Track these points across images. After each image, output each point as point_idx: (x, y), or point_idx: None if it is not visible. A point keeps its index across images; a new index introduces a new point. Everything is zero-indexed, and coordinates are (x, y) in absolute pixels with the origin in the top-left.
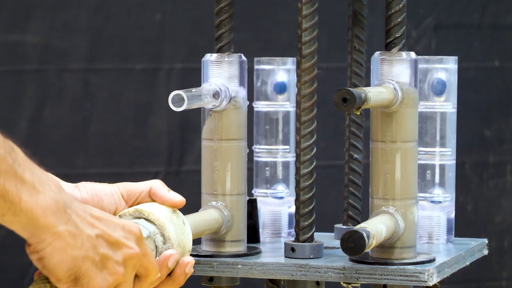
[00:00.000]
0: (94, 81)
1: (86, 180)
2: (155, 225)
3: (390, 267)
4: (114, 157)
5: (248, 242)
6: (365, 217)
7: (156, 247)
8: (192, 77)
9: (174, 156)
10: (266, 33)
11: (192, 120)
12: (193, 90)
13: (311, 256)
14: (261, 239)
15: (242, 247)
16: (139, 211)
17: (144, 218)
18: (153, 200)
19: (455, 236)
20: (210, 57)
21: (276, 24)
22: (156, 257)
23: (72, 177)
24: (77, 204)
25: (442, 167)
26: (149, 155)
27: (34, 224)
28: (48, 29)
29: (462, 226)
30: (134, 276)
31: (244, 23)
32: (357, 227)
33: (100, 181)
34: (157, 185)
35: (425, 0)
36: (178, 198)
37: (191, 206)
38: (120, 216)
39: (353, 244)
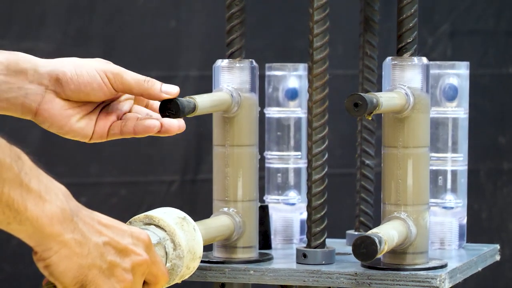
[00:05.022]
0: None
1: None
2: (165, 231)
3: (402, 272)
4: (128, 165)
5: (260, 248)
6: (377, 223)
7: (166, 253)
8: (208, 85)
9: (189, 165)
10: (282, 40)
11: (208, 129)
12: (203, 96)
13: (323, 262)
14: (273, 245)
15: (253, 253)
16: (149, 217)
17: (154, 225)
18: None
19: (469, 243)
20: (221, 62)
21: (292, 31)
22: (166, 264)
23: (85, 186)
24: (85, 212)
25: (454, 172)
26: (164, 163)
27: (40, 233)
28: (62, 37)
29: (476, 234)
30: (144, 283)
31: (261, 31)
32: (369, 232)
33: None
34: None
35: (441, 6)
36: (174, 90)
37: (208, 215)
38: (130, 222)
39: (365, 250)
